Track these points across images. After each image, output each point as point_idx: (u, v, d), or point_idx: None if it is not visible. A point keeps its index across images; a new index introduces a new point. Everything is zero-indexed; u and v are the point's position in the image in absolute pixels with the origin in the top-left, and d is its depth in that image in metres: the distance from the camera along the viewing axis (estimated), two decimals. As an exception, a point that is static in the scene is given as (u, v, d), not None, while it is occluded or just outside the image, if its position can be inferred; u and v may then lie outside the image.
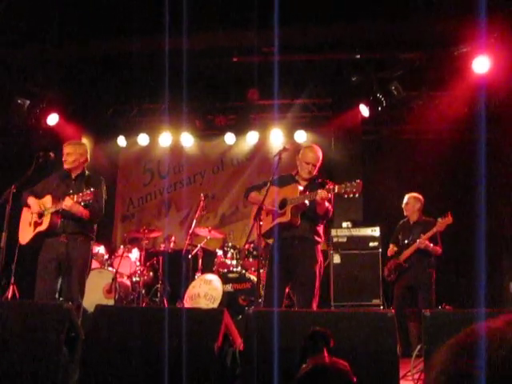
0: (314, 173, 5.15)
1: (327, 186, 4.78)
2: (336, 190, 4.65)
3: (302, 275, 4.93)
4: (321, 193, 4.71)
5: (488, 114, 7.56)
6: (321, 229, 5.14)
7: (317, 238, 5.07)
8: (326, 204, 4.90)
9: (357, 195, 4.59)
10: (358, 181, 4.58)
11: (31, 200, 5.25)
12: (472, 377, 0.93)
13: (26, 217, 5.33)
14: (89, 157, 5.51)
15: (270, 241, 5.14)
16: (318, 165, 5.17)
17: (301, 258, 4.95)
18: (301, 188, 4.99)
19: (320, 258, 5.05)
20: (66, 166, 5.36)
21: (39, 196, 5.28)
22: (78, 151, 5.37)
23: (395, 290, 6.74)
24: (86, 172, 5.45)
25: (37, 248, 5.23)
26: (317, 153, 5.17)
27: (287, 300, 5.89)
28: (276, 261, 4.80)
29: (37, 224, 5.19)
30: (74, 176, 5.37)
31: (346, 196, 4.62)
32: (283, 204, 4.93)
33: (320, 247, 5.13)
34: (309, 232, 5.02)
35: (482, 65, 7.15)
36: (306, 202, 4.86)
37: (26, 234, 5.28)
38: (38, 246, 5.22)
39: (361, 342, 3.42)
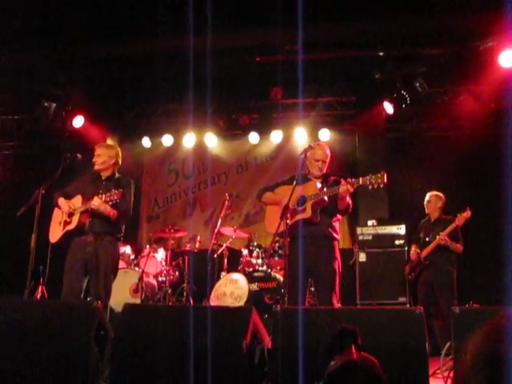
0: (324, 170, 5.19)
1: (348, 180, 4.80)
2: (361, 182, 4.65)
3: (322, 272, 4.93)
4: (344, 186, 4.72)
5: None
6: (337, 225, 5.15)
7: (335, 234, 5.08)
8: (347, 198, 4.91)
9: (381, 186, 4.58)
10: (383, 172, 4.58)
11: (61, 200, 5.34)
12: (508, 358, 0.92)
13: (57, 216, 5.41)
14: (120, 160, 5.57)
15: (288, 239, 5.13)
16: (328, 161, 5.20)
17: (320, 256, 4.95)
18: (319, 185, 5.01)
19: (338, 254, 5.05)
20: (95, 167, 5.45)
21: (70, 196, 5.36)
22: (107, 153, 5.46)
23: (418, 288, 6.69)
24: (116, 174, 5.52)
25: (67, 248, 5.29)
26: (325, 150, 5.21)
27: (312, 298, 5.88)
28: (300, 258, 4.79)
29: (66, 223, 5.27)
30: (103, 177, 5.45)
31: (370, 188, 4.61)
32: (302, 201, 4.95)
33: (337, 244, 5.13)
34: (328, 229, 5.03)
35: (508, 58, 7.06)
36: (325, 198, 4.87)
37: (55, 233, 5.36)
38: (68, 246, 5.28)
39: (389, 340, 3.40)
